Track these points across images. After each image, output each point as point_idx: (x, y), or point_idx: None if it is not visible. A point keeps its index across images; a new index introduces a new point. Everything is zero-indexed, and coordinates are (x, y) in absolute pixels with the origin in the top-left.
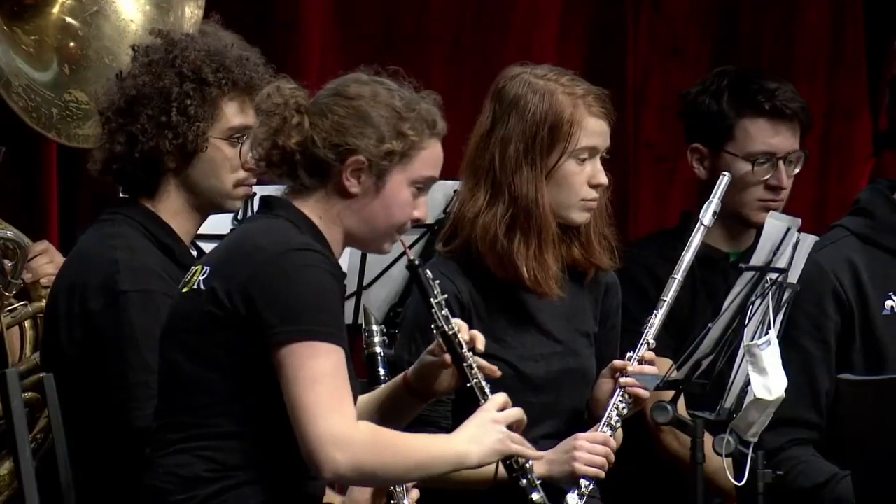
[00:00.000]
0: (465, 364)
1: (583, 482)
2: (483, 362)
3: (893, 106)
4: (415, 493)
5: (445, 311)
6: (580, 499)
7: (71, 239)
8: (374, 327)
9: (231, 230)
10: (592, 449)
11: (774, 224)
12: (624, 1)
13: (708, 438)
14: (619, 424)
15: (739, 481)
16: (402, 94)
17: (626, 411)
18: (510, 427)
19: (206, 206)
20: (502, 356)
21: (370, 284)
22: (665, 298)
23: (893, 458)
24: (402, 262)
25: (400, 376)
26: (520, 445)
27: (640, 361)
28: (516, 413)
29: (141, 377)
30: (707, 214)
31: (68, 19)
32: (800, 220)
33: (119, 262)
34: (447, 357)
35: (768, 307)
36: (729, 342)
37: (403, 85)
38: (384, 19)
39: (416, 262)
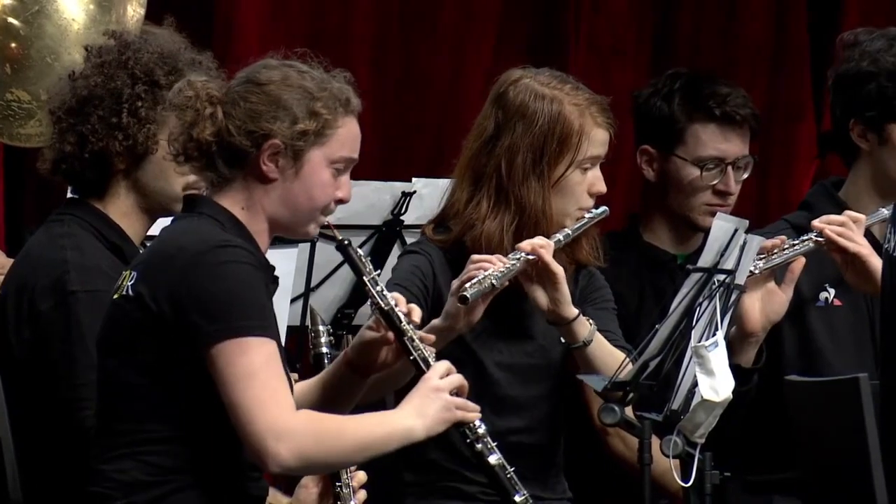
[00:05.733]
0: (405, 338)
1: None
2: (422, 333)
3: (835, 107)
4: (362, 494)
5: (380, 287)
6: None
7: (17, 240)
8: (321, 328)
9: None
10: None
11: (721, 225)
12: (564, 1)
13: (655, 440)
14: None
15: (686, 482)
16: (312, 75)
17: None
18: (454, 394)
19: (154, 208)
20: (470, 348)
21: (318, 285)
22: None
23: (840, 458)
24: None
25: (341, 355)
26: (464, 411)
27: None
28: (457, 379)
29: (89, 377)
30: None
31: (10, 19)
32: (747, 222)
33: (68, 263)
34: (389, 334)
35: (715, 308)
36: (676, 343)
37: (313, 66)
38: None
39: (346, 242)
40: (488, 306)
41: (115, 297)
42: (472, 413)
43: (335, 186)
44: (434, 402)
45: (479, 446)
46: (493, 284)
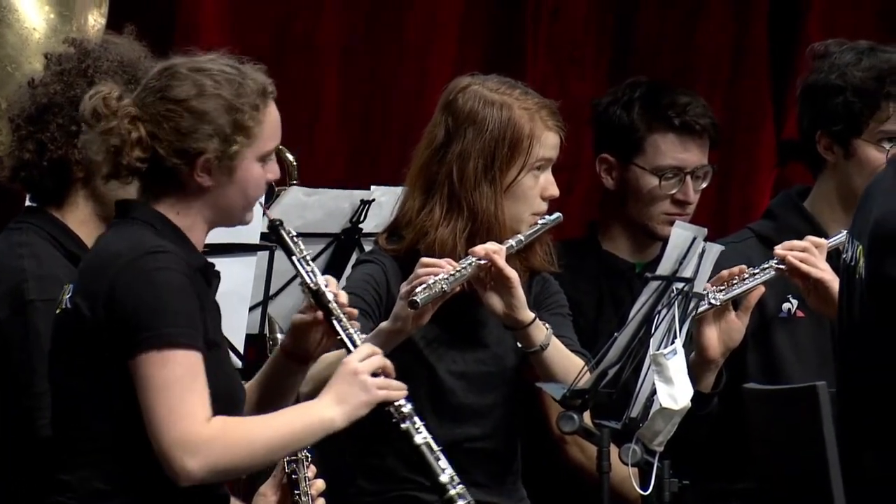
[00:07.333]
0: (332, 317)
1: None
2: (351, 310)
3: (802, 118)
4: (320, 502)
5: (311, 266)
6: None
7: None
8: (279, 336)
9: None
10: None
11: (680, 233)
12: (522, 8)
13: (614, 448)
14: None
15: (645, 490)
16: (227, 77)
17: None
18: (376, 375)
19: (112, 216)
20: (424, 357)
21: (277, 294)
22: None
23: (799, 466)
24: None
25: (277, 347)
26: (386, 390)
27: None
28: (378, 360)
29: (47, 386)
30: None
31: None
32: (706, 230)
33: (26, 271)
34: (319, 314)
35: (674, 316)
36: (635, 351)
37: (220, 57)
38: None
39: (277, 222)
40: (442, 315)
41: (58, 311)
42: (395, 392)
43: (265, 176)
44: (353, 385)
45: (404, 425)
46: (443, 289)
